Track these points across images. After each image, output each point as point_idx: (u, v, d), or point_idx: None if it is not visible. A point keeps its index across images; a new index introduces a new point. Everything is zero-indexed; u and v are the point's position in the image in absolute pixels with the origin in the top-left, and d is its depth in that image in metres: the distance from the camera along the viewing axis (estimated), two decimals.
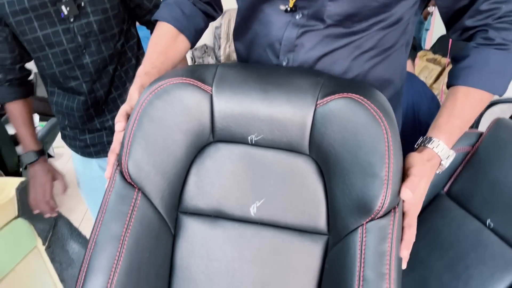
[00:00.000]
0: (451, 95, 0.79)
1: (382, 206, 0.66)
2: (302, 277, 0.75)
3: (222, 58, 3.82)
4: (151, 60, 0.89)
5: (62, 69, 1.31)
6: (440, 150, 0.75)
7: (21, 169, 2.14)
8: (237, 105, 0.73)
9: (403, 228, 0.70)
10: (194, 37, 0.97)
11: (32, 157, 1.38)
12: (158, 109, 0.73)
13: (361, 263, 0.65)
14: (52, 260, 1.57)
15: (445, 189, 1.28)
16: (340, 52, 0.85)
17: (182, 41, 0.95)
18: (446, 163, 0.76)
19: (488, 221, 1.14)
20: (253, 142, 0.76)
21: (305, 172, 0.75)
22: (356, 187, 0.68)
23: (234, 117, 0.74)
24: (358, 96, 0.68)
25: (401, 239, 0.69)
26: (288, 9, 0.84)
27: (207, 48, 3.84)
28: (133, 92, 0.84)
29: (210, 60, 3.80)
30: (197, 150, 0.78)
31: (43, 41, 1.25)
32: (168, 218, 0.77)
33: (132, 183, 0.74)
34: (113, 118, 1.39)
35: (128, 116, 0.79)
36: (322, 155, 0.73)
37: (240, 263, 0.78)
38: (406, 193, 0.67)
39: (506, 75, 0.78)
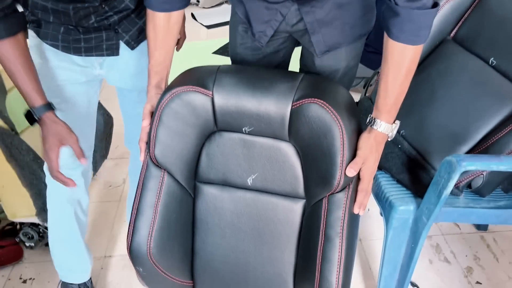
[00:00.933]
0: (385, 58, 0.90)
1: (338, 184, 0.91)
2: (287, 229, 1.01)
3: None
4: (155, 58, 1.05)
5: None
6: (383, 129, 0.93)
7: None
8: (232, 104, 0.96)
9: (358, 192, 0.93)
10: (184, 4, 1.04)
11: (34, 115, 1.09)
12: (174, 110, 0.97)
13: (323, 224, 0.93)
14: None
15: (452, 34, 1.27)
16: None
17: (175, 15, 1.03)
18: (393, 134, 0.96)
19: (491, 59, 1.15)
20: (247, 132, 0.99)
21: (287, 154, 0.99)
22: (321, 169, 0.93)
23: (231, 113, 0.97)
24: (322, 102, 0.90)
25: (355, 201, 0.93)
26: None
27: None
28: (151, 91, 1.05)
29: None
30: (205, 137, 1.03)
31: None
32: (188, 186, 1.06)
33: (159, 165, 1.01)
34: (117, 13, 1.14)
35: (151, 114, 1.03)
36: (298, 142, 0.97)
37: (242, 218, 1.05)
38: (349, 172, 0.89)
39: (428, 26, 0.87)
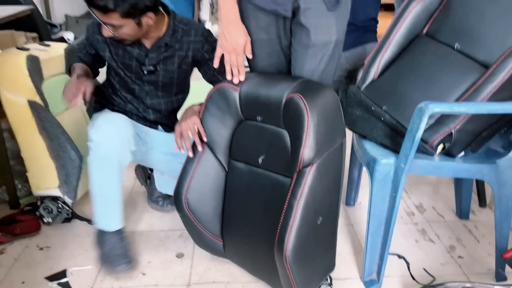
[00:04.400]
0: None
1: (301, 159, 1.18)
2: (281, 199, 1.24)
3: None
4: None
5: None
6: None
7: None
8: (251, 97, 1.32)
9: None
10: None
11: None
12: (215, 100, 1.38)
13: (289, 194, 1.20)
14: (88, 111, 1.86)
15: (424, 31, 1.51)
16: None
17: None
18: None
19: (456, 44, 1.38)
20: (260, 120, 1.34)
21: (284, 140, 1.29)
22: (294, 149, 1.22)
23: (250, 105, 1.33)
24: (300, 95, 1.20)
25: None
26: None
27: None
28: None
29: None
30: (237, 124, 1.40)
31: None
32: (224, 162, 1.44)
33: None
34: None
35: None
36: (288, 129, 1.27)
37: (255, 189, 1.38)
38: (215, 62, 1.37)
39: None
